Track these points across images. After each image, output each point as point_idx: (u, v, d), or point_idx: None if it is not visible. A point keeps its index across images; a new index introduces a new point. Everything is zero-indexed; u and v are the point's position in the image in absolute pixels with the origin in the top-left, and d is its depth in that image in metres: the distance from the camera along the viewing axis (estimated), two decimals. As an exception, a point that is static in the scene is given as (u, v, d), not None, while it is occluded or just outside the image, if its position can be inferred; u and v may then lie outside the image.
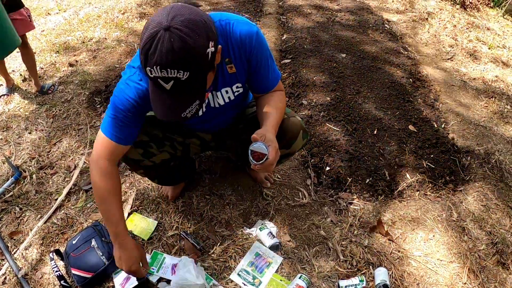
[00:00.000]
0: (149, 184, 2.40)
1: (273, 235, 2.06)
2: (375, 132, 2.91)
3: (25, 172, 2.59)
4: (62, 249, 2.05)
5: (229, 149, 2.16)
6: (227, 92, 1.69)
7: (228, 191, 2.33)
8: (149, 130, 1.83)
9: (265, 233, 2.06)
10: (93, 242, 1.97)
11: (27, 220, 2.28)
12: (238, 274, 1.94)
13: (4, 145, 2.84)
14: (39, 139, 2.83)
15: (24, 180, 2.52)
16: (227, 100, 1.72)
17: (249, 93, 1.95)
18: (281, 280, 1.93)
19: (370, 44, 3.97)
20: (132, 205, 2.26)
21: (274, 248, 2.05)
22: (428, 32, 4.49)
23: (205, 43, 1.22)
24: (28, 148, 2.77)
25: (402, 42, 4.24)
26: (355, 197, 2.46)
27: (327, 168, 2.60)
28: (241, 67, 1.59)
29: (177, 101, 1.32)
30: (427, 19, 4.80)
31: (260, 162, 1.45)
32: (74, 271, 1.91)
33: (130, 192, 2.36)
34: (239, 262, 2.00)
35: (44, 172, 2.58)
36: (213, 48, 1.26)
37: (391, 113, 3.12)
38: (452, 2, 5.42)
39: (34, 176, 2.54)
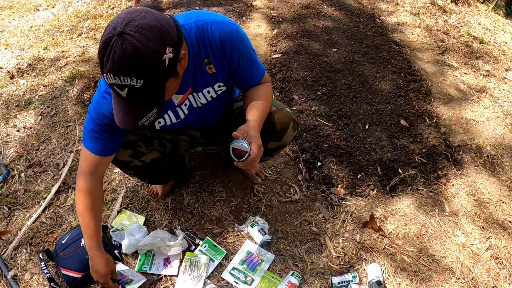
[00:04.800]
0: (138, 182, 2.37)
1: (264, 232, 2.05)
2: (366, 127, 2.91)
3: (13, 170, 2.55)
4: (51, 248, 2.02)
5: (219, 144, 2.14)
6: (208, 92, 1.66)
7: (219, 187, 2.31)
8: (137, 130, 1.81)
9: (256, 230, 2.05)
10: (83, 242, 1.94)
11: (16, 220, 2.25)
12: (230, 273, 1.93)
13: (-9, 143, 2.80)
14: (27, 137, 2.80)
15: (12, 179, 2.49)
16: (209, 99, 1.70)
17: (235, 88, 1.92)
18: (273, 278, 1.92)
19: (361, 38, 3.96)
20: (121, 203, 2.24)
21: (266, 244, 2.03)
22: (420, 26, 4.49)
23: (160, 49, 1.19)
24: (16, 146, 2.73)
25: (393, 36, 4.23)
26: (347, 192, 2.46)
27: (319, 164, 2.59)
28: (221, 67, 1.56)
29: (133, 109, 1.30)
30: (418, 13, 4.79)
31: (242, 159, 1.43)
32: (63, 271, 1.89)
33: (120, 190, 2.33)
34: (231, 260, 1.98)
35: (33, 171, 2.55)
36: (171, 54, 1.23)
37: (383, 107, 3.11)
38: (443, -3, 5.41)
39: (22, 174, 2.51)
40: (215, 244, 2.02)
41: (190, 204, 2.23)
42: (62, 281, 1.91)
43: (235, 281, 1.89)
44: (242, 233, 2.11)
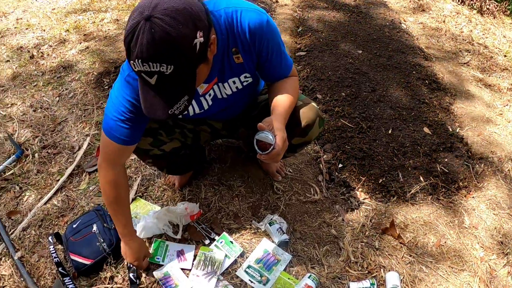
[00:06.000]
0: (155, 170, 2.27)
1: (282, 231, 1.94)
2: (389, 131, 2.79)
3: (27, 150, 2.47)
4: (61, 232, 1.93)
5: (241, 138, 2.03)
6: (234, 82, 1.57)
7: (238, 182, 2.21)
8: None
9: (274, 228, 1.94)
10: (94, 228, 1.85)
11: (26, 200, 2.17)
12: (245, 271, 1.82)
13: (7, 121, 2.72)
14: (44, 118, 2.71)
15: (25, 158, 2.41)
16: (234, 90, 1.61)
17: (260, 81, 1.83)
18: (289, 279, 1.81)
19: (387, 42, 3.84)
20: (136, 191, 2.14)
21: (283, 244, 1.93)
22: (445, 35, 4.36)
23: (191, 33, 1.11)
24: (31, 126, 2.65)
25: (419, 43, 4.10)
26: (367, 196, 2.35)
27: (340, 165, 2.48)
28: (249, 58, 1.48)
29: (163, 97, 1.21)
30: (444, 21, 4.66)
31: (266, 152, 1.34)
32: (72, 256, 1.79)
33: (135, 178, 2.23)
34: (247, 257, 1.88)
35: (47, 152, 2.46)
36: (201, 39, 1.14)
37: (406, 113, 2.99)
38: (469, 7, 5.28)
39: (36, 155, 2.42)
40: (232, 240, 1.92)
41: (207, 197, 2.13)
42: (70, 266, 1.81)
43: (250, 280, 1.78)
44: (259, 230, 2.00)
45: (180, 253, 1.86)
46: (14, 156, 2.42)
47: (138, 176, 2.23)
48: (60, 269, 1.77)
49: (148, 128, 1.67)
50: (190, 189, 2.14)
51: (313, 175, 2.37)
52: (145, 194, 2.14)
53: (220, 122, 1.89)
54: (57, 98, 2.86)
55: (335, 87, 3.07)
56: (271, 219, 1.99)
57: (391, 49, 3.76)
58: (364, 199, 2.32)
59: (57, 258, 1.80)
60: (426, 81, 3.44)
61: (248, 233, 1.98)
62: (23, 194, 2.21)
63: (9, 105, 2.85)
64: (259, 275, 1.80)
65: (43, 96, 2.89)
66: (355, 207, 2.25)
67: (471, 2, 5.36)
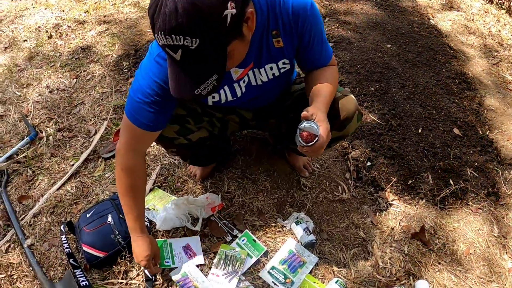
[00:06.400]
0: (175, 159, 2.12)
1: (309, 231, 1.79)
2: (419, 130, 2.62)
3: (41, 132, 2.35)
4: (74, 221, 1.79)
5: (271, 129, 1.87)
6: (271, 68, 1.42)
7: (263, 176, 2.04)
8: (187, 103, 1.57)
9: (301, 228, 1.78)
10: (109, 218, 1.71)
11: (38, 185, 2.04)
12: (269, 272, 1.67)
13: (22, 102, 2.59)
14: (60, 99, 2.57)
15: (39, 141, 2.29)
16: (270, 77, 1.46)
17: (294, 69, 1.68)
18: (314, 282, 1.66)
19: (416, 38, 3.65)
20: (155, 181, 1.99)
21: (310, 245, 1.77)
22: (474, 33, 4.16)
23: (220, 3, 0.96)
24: (47, 107, 2.51)
25: (448, 40, 3.91)
26: (395, 198, 2.19)
27: (368, 163, 2.32)
28: (289, 42, 1.35)
29: (189, 75, 1.07)
30: (472, 20, 4.46)
31: (310, 144, 1.19)
32: (85, 248, 1.65)
33: (154, 166, 2.09)
34: (271, 258, 1.72)
35: (62, 135, 2.33)
36: (233, 10, 1.00)
37: (436, 112, 2.82)
38: (497, 7, 5.06)
39: (51, 137, 2.29)
40: (255, 238, 1.77)
41: (230, 191, 1.97)
42: (82, 258, 1.68)
43: (273, 282, 1.64)
44: (284, 229, 1.84)
45: (187, 249, 1.71)
46: (27, 138, 2.30)
47: (157, 165, 2.08)
48: (71, 260, 1.64)
49: (175, 114, 1.52)
50: (212, 181, 1.99)
51: (340, 172, 2.21)
52: (164, 184, 1.99)
53: (250, 111, 1.73)
54: (75, 80, 2.72)
55: (364, 81, 2.89)
56: (298, 217, 1.83)
57: (420, 45, 3.56)
58: (392, 200, 2.17)
59: (69, 249, 1.67)
60: (456, 80, 3.25)
61: (272, 231, 1.82)
62: (36, 178, 2.08)
63: (25, 86, 2.72)
64: (283, 277, 1.65)
65: (60, 78, 2.75)
66: (384, 209, 2.10)
67: (500, 1, 5.13)
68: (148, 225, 1.77)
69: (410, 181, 2.29)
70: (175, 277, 1.62)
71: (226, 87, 1.44)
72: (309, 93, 1.40)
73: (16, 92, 2.65)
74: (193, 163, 1.90)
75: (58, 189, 1.99)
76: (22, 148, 2.23)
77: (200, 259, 1.69)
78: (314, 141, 1.19)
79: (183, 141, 1.62)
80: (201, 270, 1.65)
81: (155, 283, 1.61)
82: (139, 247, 1.52)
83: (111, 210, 1.74)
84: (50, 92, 2.64)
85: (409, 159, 2.40)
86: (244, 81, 1.44)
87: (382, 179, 2.25)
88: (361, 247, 1.88)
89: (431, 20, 4.18)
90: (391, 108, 2.70)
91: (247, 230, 1.78)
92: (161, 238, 1.77)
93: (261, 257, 1.72)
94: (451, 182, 2.33)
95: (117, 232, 1.67)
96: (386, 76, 2.97)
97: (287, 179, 2.05)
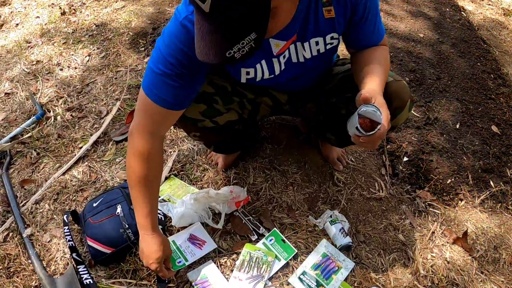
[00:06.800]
0: (195, 145, 1.86)
1: (345, 232, 1.53)
2: (457, 126, 2.35)
3: (49, 112, 2.10)
4: (79, 210, 1.55)
5: (307, 115, 1.60)
6: (317, 43, 1.17)
7: (293, 167, 1.78)
8: (216, 80, 1.30)
9: (337, 228, 1.53)
10: (119, 209, 1.46)
11: (43, 168, 1.81)
12: (300, 278, 1.41)
13: (31, 79, 2.36)
14: (71, 78, 2.34)
15: (46, 121, 2.06)
16: (314, 54, 1.20)
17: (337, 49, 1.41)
18: (351, 293, 1.40)
19: (448, 29, 3.37)
20: (171, 168, 1.74)
21: (346, 249, 1.52)
22: (506, 29, 3.86)
23: None
24: (56, 85, 2.28)
25: (480, 34, 3.62)
26: (434, 198, 1.92)
27: (405, 159, 2.05)
28: (342, 13, 1.12)
29: (220, 32, 0.82)
30: (504, 14, 4.16)
31: (371, 132, 0.94)
32: (90, 242, 1.41)
33: (171, 152, 1.84)
34: (302, 261, 1.47)
35: (71, 115, 2.10)
36: None
37: (473, 108, 2.54)
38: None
39: (58, 117, 2.06)
40: (284, 238, 1.51)
41: (256, 182, 1.71)
42: (86, 252, 1.44)
43: None
44: (316, 229, 1.58)
45: (193, 239, 1.46)
46: (34, 117, 2.08)
47: (174, 151, 1.83)
48: (74, 255, 1.41)
49: (202, 92, 1.26)
50: (236, 171, 1.73)
51: (376, 167, 1.95)
52: (181, 173, 1.74)
53: (285, 94, 1.47)
54: (87, 58, 2.47)
55: (397, 70, 2.63)
56: (332, 216, 1.57)
57: (453, 36, 3.28)
58: (431, 200, 1.90)
59: (72, 242, 1.43)
60: (492, 75, 2.97)
61: (303, 230, 1.57)
62: (40, 161, 1.85)
63: (34, 63, 2.49)
64: (315, 284, 1.40)
65: (72, 55, 2.51)
66: (423, 210, 1.84)
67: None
68: (163, 219, 1.51)
69: (449, 180, 2.03)
70: (192, 277, 1.37)
71: (263, 62, 1.18)
72: (359, 75, 1.16)
73: (25, 69, 2.42)
74: (217, 150, 1.64)
75: (63, 174, 1.76)
76: (27, 128, 2.00)
77: (211, 244, 1.44)
78: (376, 129, 0.94)
79: (208, 124, 1.35)
80: (222, 272, 1.40)
81: (169, 285, 1.36)
82: (149, 247, 1.25)
83: (121, 200, 1.49)
84: (61, 69, 2.40)
85: (448, 156, 2.14)
86: (284, 57, 1.19)
87: (420, 177, 2.00)
88: (401, 252, 1.63)
89: (462, 13, 3.89)
90: (427, 100, 2.44)
91: (275, 228, 1.52)
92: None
93: (290, 260, 1.46)
94: (491, 183, 2.07)
95: (127, 226, 1.42)
96: (420, 67, 2.71)
97: (320, 173, 1.79)
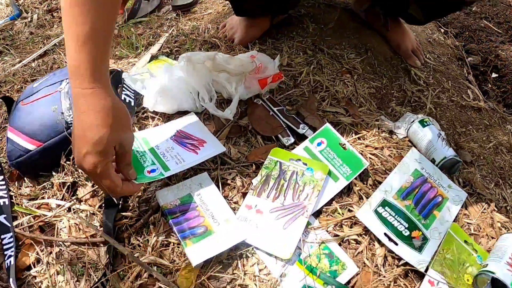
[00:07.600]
0: (200, 24, 1.07)
1: (447, 141, 0.73)
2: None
3: (27, 13, 1.38)
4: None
5: None
6: None
7: (349, 52, 1.01)
8: None
9: (434, 132, 0.74)
10: (63, 84, 0.71)
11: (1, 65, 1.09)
12: (376, 212, 0.62)
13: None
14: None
15: (22, 21, 1.34)
16: None
17: None
18: (466, 242, 0.61)
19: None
20: (162, 46, 0.96)
21: (449, 167, 0.73)
22: None
23: None
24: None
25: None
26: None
27: (494, 75, 1.25)
28: None
29: None
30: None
31: None
32: (10, 133, 0.68)
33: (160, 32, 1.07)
34: (378, 184, 0.67)
35: (52, 15, 1.40)
36: None
37: None
38: None
39: (35, 17, 1.35)
40: (345, 142, 0.72)
41: (292, 65, 0.94)
42: (5, 152, 0.70)
43: (385, 234, 0.60)
44: (394, 137, 0.79)
45: (182, 138, 0.73)
46: (7, 18, 1.40)
47: (172, 30, 1.05)
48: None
49: None
50: (261, 48, 0.94)
51: (461, 75, 1.14)
52: (176, 51, 0.95)
53: None
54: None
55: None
56: (420, 117, 0.77)
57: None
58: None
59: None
60: None
61: (374, 136, 0.78)
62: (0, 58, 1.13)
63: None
64: (405, 225, 0.62)
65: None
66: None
67: None
68: (132, 103, 0.75)
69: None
70: (166, 202, 0.61)
71: None
72: None
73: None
74: (238, 11, 0.93)
75: (22, 66, 1.02)
76: (-4, 28, 1.32)
77: (215, 146, 0.74)
78: None
79: None
80: (225, 197, 0.64)
81: (124, 213, 0.59)
82: (85, 119, 0.55)
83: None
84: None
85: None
86: None
87: (516, 99, 1.20)
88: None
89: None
90: (506, 19, 1.62)
91: (327, 124, 0.73)
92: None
93: (356, 178, 0.67)
94: None
95: (68, 105, 0.66)
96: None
97: (388, 65, 1.03)
